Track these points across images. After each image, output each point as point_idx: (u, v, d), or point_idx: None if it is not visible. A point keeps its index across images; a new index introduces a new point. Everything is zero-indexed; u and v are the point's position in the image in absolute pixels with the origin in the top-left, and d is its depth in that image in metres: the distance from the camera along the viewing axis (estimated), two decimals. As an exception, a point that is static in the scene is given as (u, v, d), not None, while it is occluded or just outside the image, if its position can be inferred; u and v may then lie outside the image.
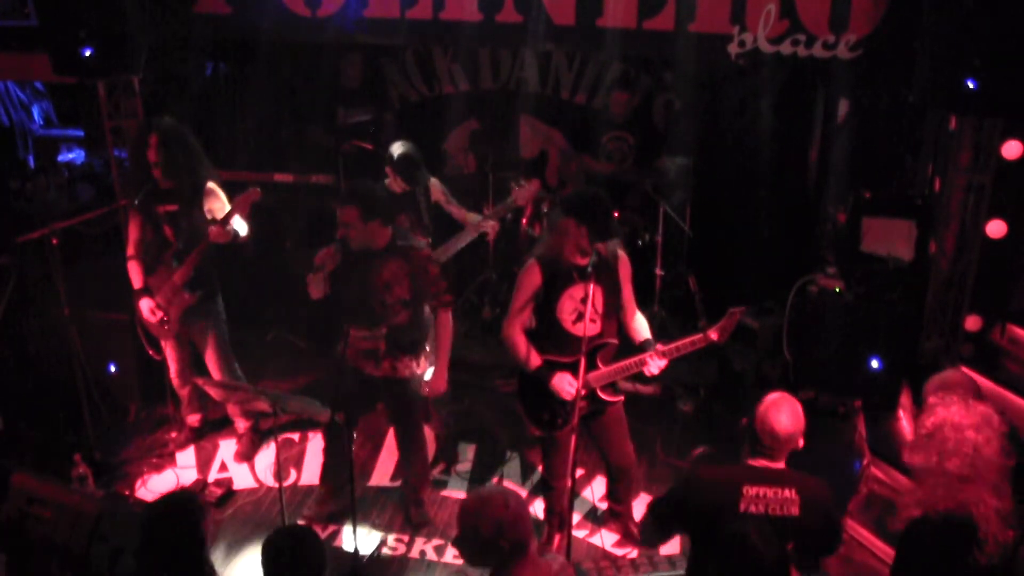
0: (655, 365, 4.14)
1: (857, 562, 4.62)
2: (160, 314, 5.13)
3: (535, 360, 4.25)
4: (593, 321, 4.19)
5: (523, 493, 5.19)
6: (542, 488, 4.77)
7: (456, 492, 5.31)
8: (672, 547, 4.80)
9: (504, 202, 5.41)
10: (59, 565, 4.07)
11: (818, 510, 3.23)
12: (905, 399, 5.25)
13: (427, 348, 4.74)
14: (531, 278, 4.20)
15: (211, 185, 5.12)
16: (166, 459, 5.56)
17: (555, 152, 7.62)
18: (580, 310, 4.18)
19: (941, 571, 3.02)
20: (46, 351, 5.87)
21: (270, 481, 5.37)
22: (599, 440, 4.55)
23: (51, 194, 7.38)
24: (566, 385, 4.18)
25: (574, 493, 4.32)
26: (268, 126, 7.30)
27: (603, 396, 4.32)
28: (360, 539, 4.45)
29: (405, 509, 5.07)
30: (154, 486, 5.32)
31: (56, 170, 7.63)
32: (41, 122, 8.08)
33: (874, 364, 5.45)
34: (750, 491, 3.17)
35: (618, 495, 4.78)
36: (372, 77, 7.27)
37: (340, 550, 4.73)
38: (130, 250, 5.18)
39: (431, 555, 4.83)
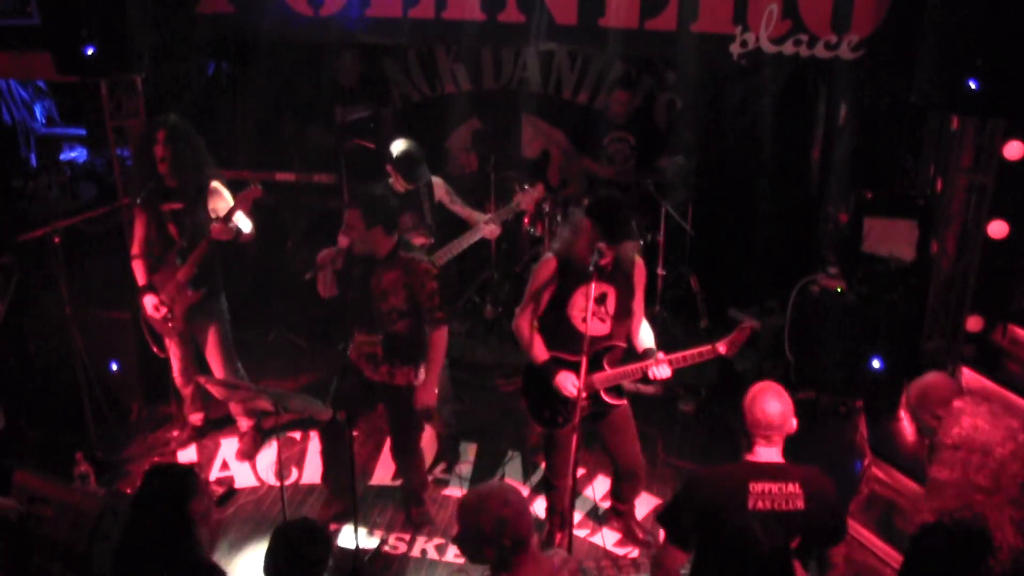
0: (660, 372, 4.14)
1: (858, 562, 4.62)
2: (164, 311, 5.14)
3: (542, 355, 4.26)
4: (603, 321, 4.21)
5: (524, 492, 5.20)
6: (544, 486, 4.77)
7: (457, 491, 5.32)
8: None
9: (508, 206, 5.41)
10: (61, 564, 4.08)
11: (822, 501, 3.23)
12: (906, 399, 5.24)
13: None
14: (546, 271, 4.22)
15: (215, 184, 5.13)
16: (168, 457, 5.56)
17: (557, 152, 7.62)
18: (591, 309, 4.19)
19: None
20: (48, 350, 5.88)
21: (272, 480, 5.38)
22: (606, 442, 4.55)
23: (53, 193, 7.40)
24: (569, 384, 4.18)
25: (575, 492, 4.33)
26: (270, 125, 7.30)
27: (607, 398, 4.32)
28: (361, 538, 4.45)
29: (406, 509, 5.08)
30: (156, 485, 5.33)
31: (58, 169, 7.64)
32: (43, 121, 8.08)
33: (875, 364, 5.45)
34: (755, 488, 3.16)
35: (622, 495, 4.78)
36: (369, 74, 7.27)
37: (342, 549, 4.74)
38: (135, 249, 5.19)
39: (432, 554, 4.83)
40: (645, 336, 4.38)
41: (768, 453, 3.25)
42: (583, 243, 4.08)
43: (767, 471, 3.22)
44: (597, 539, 4.89)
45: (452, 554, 4.81)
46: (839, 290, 5.62)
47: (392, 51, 7.49)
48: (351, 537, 4.41)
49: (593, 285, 4.08)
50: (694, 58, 5.65)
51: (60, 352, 5.53)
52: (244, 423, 5.63)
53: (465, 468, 5.53)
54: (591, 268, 3.98)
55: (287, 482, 5.19)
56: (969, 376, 5.05)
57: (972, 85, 4.32)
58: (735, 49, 5.36)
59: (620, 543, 4.87)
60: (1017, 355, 5.25)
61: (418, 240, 5.16)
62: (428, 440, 5.68)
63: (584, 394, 4.10)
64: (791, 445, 3.31)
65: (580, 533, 4.87)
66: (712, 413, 5.90)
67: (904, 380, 5.23)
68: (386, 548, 4.86)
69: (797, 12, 5.20)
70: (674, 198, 6.70)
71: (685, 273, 6.82)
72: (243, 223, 5.02)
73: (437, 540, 4.93)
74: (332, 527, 4.89)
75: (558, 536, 4.68)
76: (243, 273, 5.96)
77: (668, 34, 5.45)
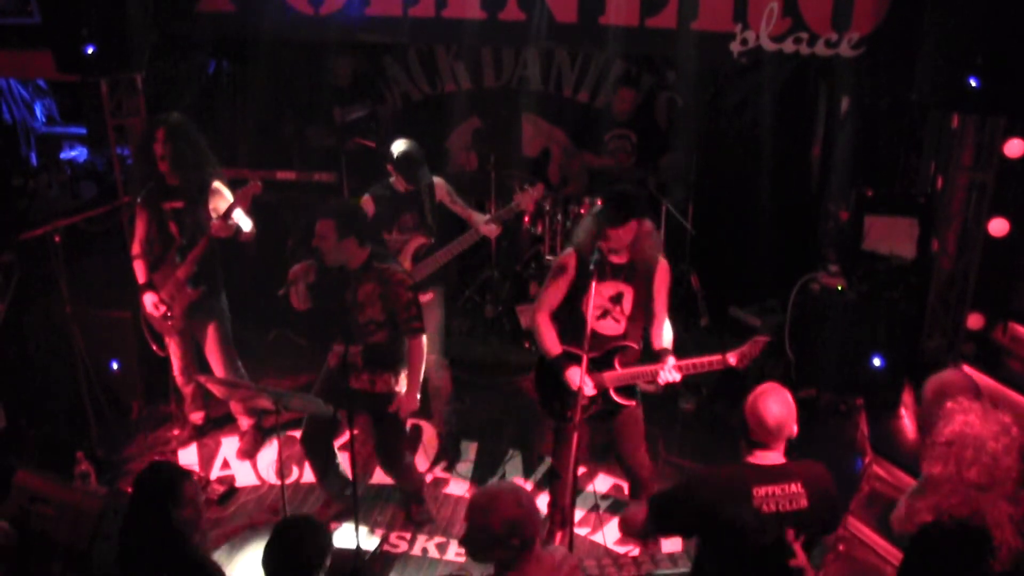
0: (669, 377, 4.14)
1: (859, 560, 4.61)
2: (163, 308, 5.13)
3: (555, 348, 4.28)
4: (617, 321, 4.22)
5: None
6: (549, 477, 4.79)
7: (457, 490, 5.32)
8: (674, 545, 4.82)
9: (508, 206, 5.40)
10: (61, 563, 4.08)
11: (824, 497, 3.25)
12: (907, 397, 5.25)
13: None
14: (565, 265, 4.24)
15: (217, 184, 5.13)
16: (169, 457, 5.56)
17: (557, 150, 7.61)
18: (605, 307, 4.22)
19: None
20: (48, 349, 5.88)
21: (272, 479, 5.38)
22: (615, 441, 4.57)
23: (53, 192, 7.40)
24: (578, 379, 4.19)
25: (576, 490, 4.34)
26: (270, 124, 7.30)
27: (616, 398, 4.32)
28: (362, 537, 4.45)
29: (406, 508, 5.08)
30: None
31: (58, 168, 7.65)
32: (43, 120, 8.08)
33: (876, 362, 5.45)
34: (759, 492, 3.16)
35: (634, 492, 4.83)
36: (363, 73, 7.26)
37: (341, 548, 4.73)
38: (135, 248, 5.20)
39: (433, 552, 4.84)
40: (664, 336, 4.32)
41: (770, 456, 3.25)
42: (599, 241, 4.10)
43: (770, 474, 3.22)
44: (598, 537, 4.89)
45: (453, 552, 4.81)
46: (839, 288, 5.61)
47: (392, 50, 7.49)
48: (351, 536, 4.41)
49: (610, 283, 4.13)
50: (694, 56, 5.64)
51: (60, 351, 5.53)
52: (245, 422, 5.63)
53: (465, 467, 5.53)
54: (591, 267, 3.99)
55: (288, 481, 5.19)
56: (969, 374, 5.04)
57: (972, 83, 4.31)
58: (735, 47, 5.35)
59: (620, 541, 4.87)
60: (1018, 353, 5.25)
61: (418, 240, 5.16)
62: (428, 439, 5.69)
63: (592, 391, 4.16)
64: (791, 444, 3.31)
65: (581, 531, 4.88)
66: (713, 411, 5.90)
67: (905, 378, 5.28)
68: (386, 547, 4.86)
69: (797, 10, 5.19)
70: (674, 196, 6.69)
71: (685, 271, 6.82)
72: (243, 221, 5.02)
73: (438, 538, 4.93)
74: (332, 526, 4.89)
75: (559, 534, 4.68)
76: (243, 272, 5.95)
77: (668, 32, 5.44)
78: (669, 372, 4.12)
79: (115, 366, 5.88)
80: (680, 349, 4.32)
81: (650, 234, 4.16)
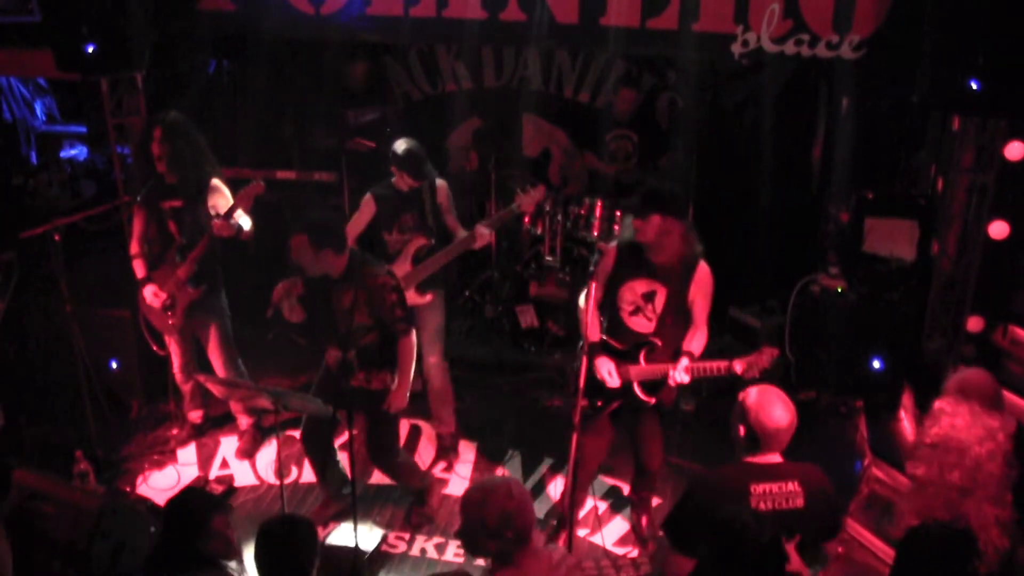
0: (678, 377, 4.17)
1: (858, 562, 4.62)
2: (163, 296, 5.12)
3: (593, 335, 4.34)
4: (649, 320, 4.28)
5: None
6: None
7: (457, 491, 5.31)
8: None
9: (508, 207, 5.39)
10: (60, 562, 4.08)
11: (821, 497, 3.26)
12: (907, 399, 5.25)
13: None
14: (606, 260, 4.32)
15: (215, 182, 5.12)
16: (168, 456, 5.57)
17: (558, 151, 7.61)
18: (638, 304, 4.27)
19: None
20: (48, 347, 5.88)
21: (271, 478, 5.38)
22: (631, 435, 4.61)
23: (53, 190, 7.40)
24: (605, 371, 4.26)
25: (575, 493, 4.35)
26: (270, 123, 7.30)
27: (640, 393, 4.34)
28: (360, 537, 4.45)
29: (408, 507, 5.08)
30: (155, 483, 5.33)
31: (58, 166, 7.65)
32: (44, 118, 8.09)
33: (876, 364, 5.45)
34: (757, 489, 3.18)
35: (638, 488, 4.87)
36: (377, 75, 7.26)
37: (341, 548, 4.74)
38: (134, 248, 5.20)
39: (432, 553, 4.83)
40: (692, 344, 4.27)
41: (768, 456, 3.26)
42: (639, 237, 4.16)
43: (767, 472, 3.23)
44: (596, 538, 4.88)
45: (452, 553, 4.81)
46: (840, 290, 5.61)
47: (393, 50, 7.48)
48: (350, 536, 4.41)
49: (644, 281, 4.20)
50: (695, 57, 5.63)
51: (60, 350, 5.53)
52: (244, 421, 5.63)
53: (465, 467, 5.53)
54: (591, 267, 4.01)
55: (287, 480, 5.19)
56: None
57: (973, 85, 4.31)
58: (736, 48, 5.34)
59: (620, 542, 4.87)
60: (1018, 355, 5.25)
61: (418, 241, 5.15)
62: (427, 439, 5.69)
63: (616, 383, 4.25)
64: (791, 445, 3.31)
65: (580, 532, 4.87)
66: (712, 412, 5.89)
67: (904, 380, 5.28)
68: (385, 547, 4.86)
69: (798, 12, 5.19)
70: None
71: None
72: (244, 222, 5.02)
73: (437, 539, 4.92)
74: (331, 526, 4.89)
75: (563, 533, 4.68)
76: (243, 271, 5.95)
77: (669, 33, 5.44)
78: (680, 372, 4.14)
79: (114, 365, 5.88)
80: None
81: (681, 235, 4.16)
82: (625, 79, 7.14)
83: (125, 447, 5.62)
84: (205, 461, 5.57)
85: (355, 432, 4.52)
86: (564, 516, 4.69)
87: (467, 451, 5.66)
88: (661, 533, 3.91)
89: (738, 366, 4.03)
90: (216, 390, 4.69)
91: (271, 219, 6.33)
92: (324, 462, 4.88)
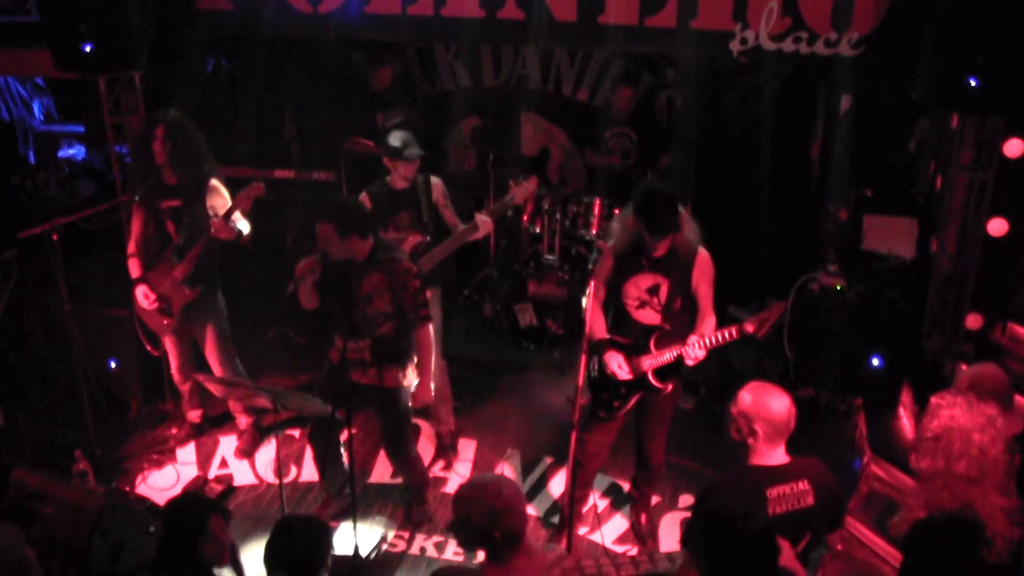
0: (694, 353, 4.16)
1: (857, 560, 4.62)
2: (153, 297, 5.12)
3: (600, 333, 4.36)
4: (656, 312, 4.29)
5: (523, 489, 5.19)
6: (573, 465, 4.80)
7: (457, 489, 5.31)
8: (672, 544, 4.81)
9: (502, 200, 5.39)
10: (60, 561, 4.07)
11: (829, 494, 3.28)
12: (906, 397, 5.24)
13: (415, 359, 4.71)
14: (605, 259, 4.36)
15: (214, 182, 5.12)
16: (166, 455, 5.57)
17: (557, 149, 7.60)
18: (643, 298, 4.29)
19: (950, 571, 3.02)
20: (47, 347, 5.88)
21: (270, 478, 5.37)
22: (638, 425, 4.61)
23: (51, 190, 7.39)
24: (615, 364, 4.28)
25: (576, 490, 4.34)
26: (269, 122, 7.29)
27: (653, 381, 4.35)
28: (360, 536, 4.45)
29: (407, 506, 5.07)
30: (154, 482, 5.33)
31: (57, 166, 7.64)
32: (42, 118, 8.08)
33: (875, 362, 5.45)
34: (772, 493, 3.18)
35: (639, 483, 4.87)
36: (400, 77, 7.22)
37: (340, 548, 4.74)
38: (131, 247, 5.19)
39: (431, 551, 4.84)
40: (703, 328, 4.27)
41: (776, 454, 3.26)
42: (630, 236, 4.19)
43: (779, 474, 3.24)
44: (596, 537, 4.88)
45: (451, 552, 4.81)
46: (839, 288, 5.61)
47: (391, 48, 7.47)
48: (350, 535, 4.40)
49: (648, 275, 4.22)
50: (694, 55, 5.63)
51: (59, 349, 5.53)
52: (243, 420, 5.62)
53: (464, 466, 5.53)
54: (591, 265, 4.01)
55: (286, 480, 5.19)
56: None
57: (972, 83, 4.31)
58: (735, 46, 5.34)
59: (619, 541, 4.87)
60: (1017, 353, 5.24)
61: (415, 239, 5.15)
62: (426, 438, 5.69)
63: (628, 376, 4.27)
64: (791, 445, 3.31)
65: (580, 531, 4.87)
66: (711, 410, 5.89)
67: (904, 378, 5.28)
68: (385, 546, 4.86)
69: (797, 9, 5.19)
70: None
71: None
72: (242, 225, 5.01)
73: (436, 538, 4.92)
74: (331, 526, 4.88)
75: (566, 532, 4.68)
76: (242, 270, 5.94)
77: (668, 31, 5.43)
78: (693, 348, 4.14)
79: (113, 364, 5.87)
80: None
81: (684, 224, 4.19)
82: (624, 77, 7.12)
83: (124, 446, 5.62)
84: (204, 460, 5.57)
85: (355, 431, 4.52)
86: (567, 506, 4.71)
87: (466, 450, 5.66)
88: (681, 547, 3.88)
89: (749, 326, 4.00)
90: (215, 389, 4.69)
91: (270, 219, 6.34)
92: (327, 454, 4.85)
